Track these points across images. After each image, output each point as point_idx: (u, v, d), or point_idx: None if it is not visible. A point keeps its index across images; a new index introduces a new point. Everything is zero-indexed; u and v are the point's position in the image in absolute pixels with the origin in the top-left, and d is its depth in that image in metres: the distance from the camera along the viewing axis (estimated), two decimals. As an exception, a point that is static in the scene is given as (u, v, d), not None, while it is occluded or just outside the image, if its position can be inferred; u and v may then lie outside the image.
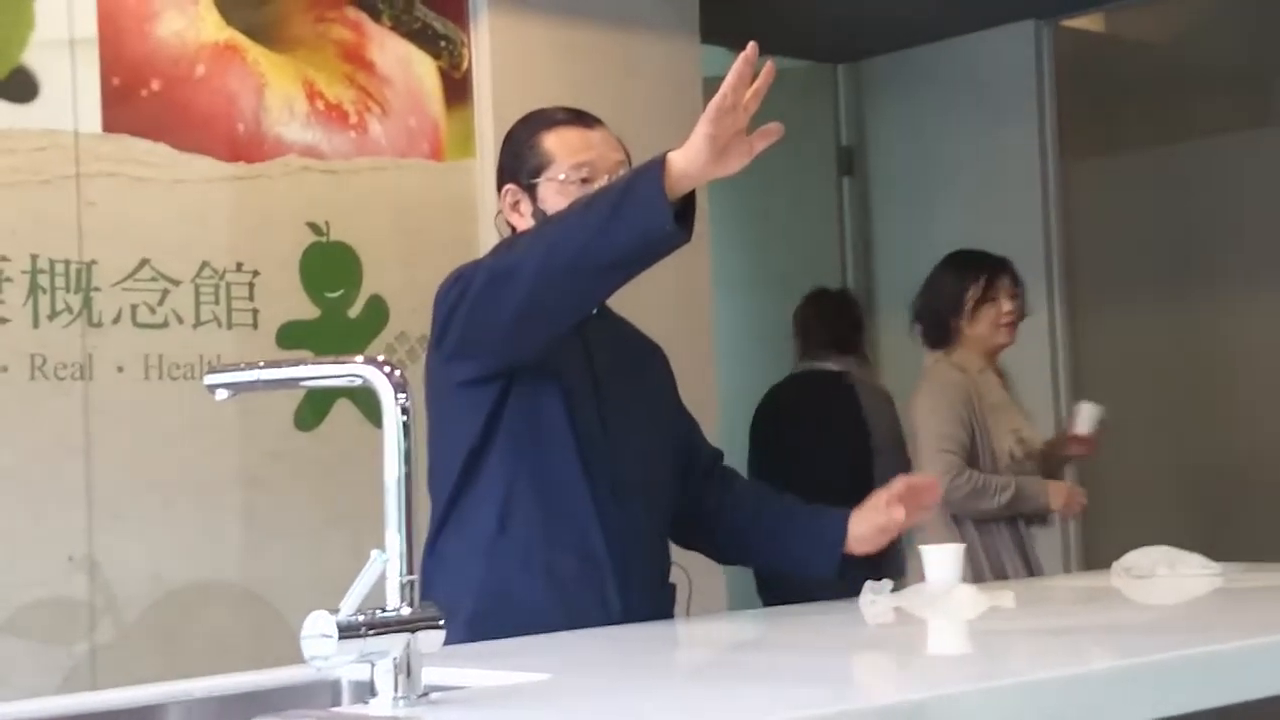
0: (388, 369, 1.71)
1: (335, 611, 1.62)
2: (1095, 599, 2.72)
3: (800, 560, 2.55)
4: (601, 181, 2.43)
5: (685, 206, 2.16)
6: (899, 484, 2.54)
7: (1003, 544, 3.95)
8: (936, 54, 5.48)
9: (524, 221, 2.49)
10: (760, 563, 2.62)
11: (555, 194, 2.44)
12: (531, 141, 2.48)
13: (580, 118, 2.51)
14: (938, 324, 4.14)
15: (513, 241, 2.39)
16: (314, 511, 3.83)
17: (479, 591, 2.32)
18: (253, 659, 3.60)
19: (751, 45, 2.09)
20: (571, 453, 2.40)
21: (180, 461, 3.65)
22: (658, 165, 2.13)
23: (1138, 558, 2.96)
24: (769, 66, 2.13)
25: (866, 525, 2.50)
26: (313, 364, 1.89)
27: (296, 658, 3.92)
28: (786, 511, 2.57)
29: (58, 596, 3.47)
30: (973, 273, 4.11)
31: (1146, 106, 5.56)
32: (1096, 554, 4.92)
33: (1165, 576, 2.88)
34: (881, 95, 5.65)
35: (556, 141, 2.47)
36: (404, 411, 1.70)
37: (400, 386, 1.70)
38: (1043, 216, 5.28)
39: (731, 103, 2.09)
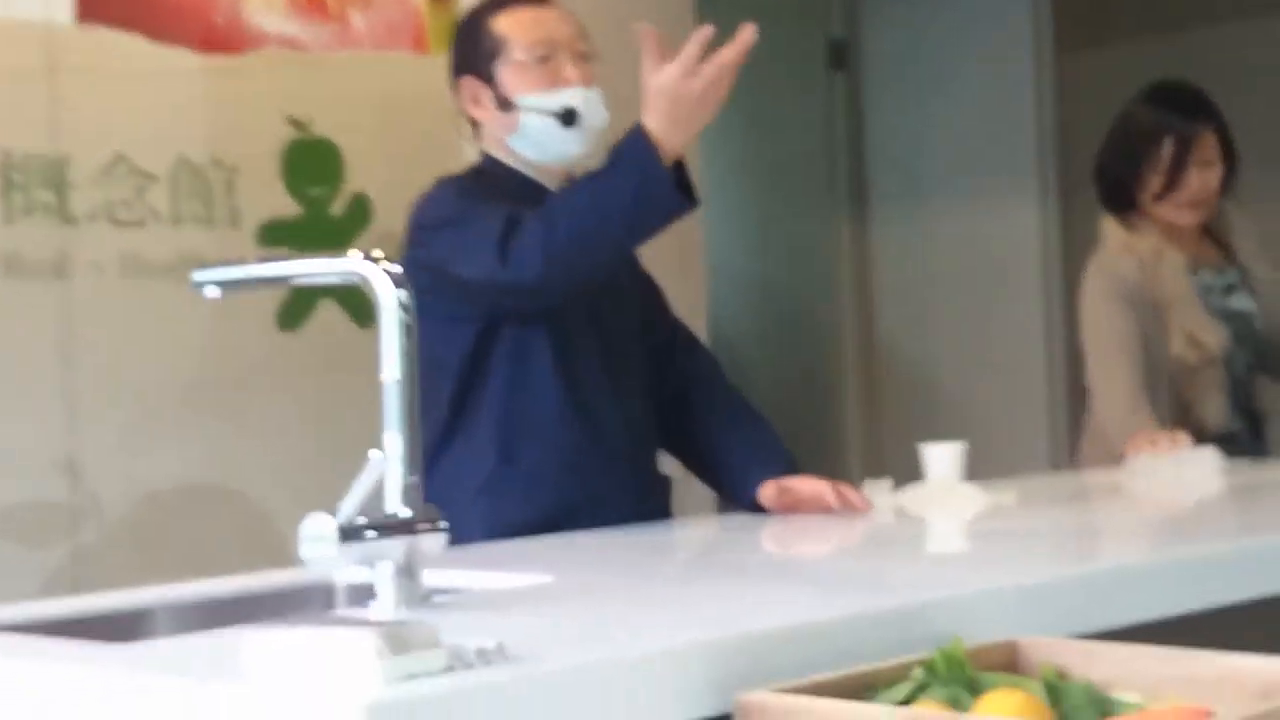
0: (385, 265, 1.65)
1: (334, 513, 1.57)
2: (1097, 497, 2.69)
3: (724, 493, 2.50)
4: (561, 58, 2.38)
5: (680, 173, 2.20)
6: (830, 496, 2.33)
7: None
8: (930, -56, 5.37)
9: (485, 114, 2.42)
10: (695, 473, 2.54)
11: (514, 76, 2.38)
12: (484, 27, 2.40)
13: None
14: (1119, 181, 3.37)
15: (505, 232, 2.25)
16: (298, 412, 3.77)
17: (485, 527, 2.26)
18: (236, 561, 3.55)
19: (704, 29, 2.15)
20: (560, 373, 2.36)
21: (161, 362, 3.58)
22: (636, 134, 2.15)
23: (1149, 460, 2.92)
24: (748, 32, 2.17)
25: (775, 505, 2.36)
26: (306, 259, 1.82)
27: (281, 559, 3.88)
28: (730, 446, 2.46)
29: (38, 499, 3.42)
30: (1164, 127, 3.29)
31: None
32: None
33: (1173, 475, 2.86)
34: (874, -14, 5.54)
35: (509, 23, 2.39)
36: (404, 309, 1.63)
37: (399, 283, 1.64)
38: (1037, 111, 5.21)
39: (691, 70, 2.14)
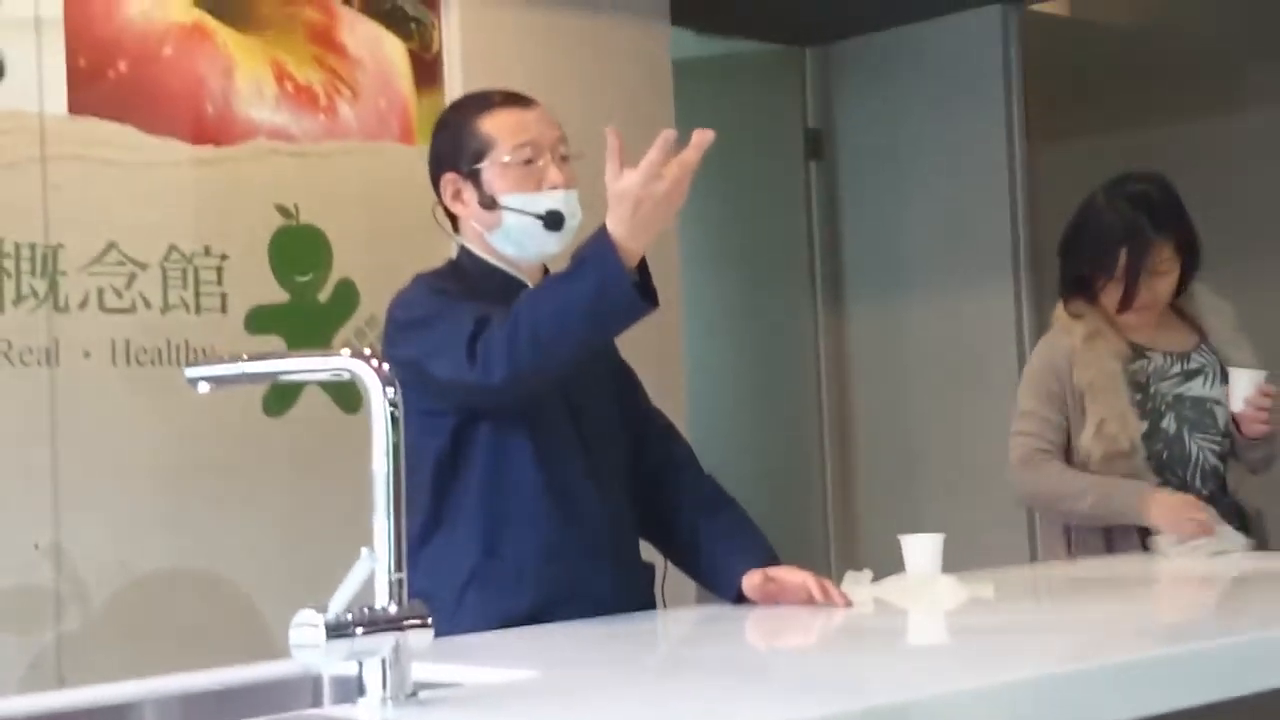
0: (374, 362, 1.68)
1: (323, 609, 1.60)
2: (1080, 590, 2.72)
3: (704, 582, 2.52)
4: (545, 160, 2.43)
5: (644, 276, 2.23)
6: (814, 586, 2.35)
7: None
8: (905, 38, 5.47)
9: (467, 210, 2.46)
10: (673, 561, 2.57)
11: (499, 177, 2.42)
12: (469, 127, 2.45)
13: (515, 99, 2.48)
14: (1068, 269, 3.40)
15: (474, 335, 2.29)
16: (283, 498, 3.79)
17: (472, 621, 2.28)
18: (222, 648, 3.58)
19: (667, 134, 2.19)
20: (542, 463, 2.39)
21: (148, 448, 3.61)
22: (600, 237, 2.19)
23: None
24: (706, 135, 2.19)
25: (758, 594, 2.39)
26: (297, 356, 1.85)
27: (265, 646, 3.91)
28: (709, 535, 2.49)
29: (24, 584, 3.43)
30: (1120, 234, 3.26)
31: (1114, 91, 5.57)
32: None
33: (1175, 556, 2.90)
34: (850, 79, 5.64)
35: (495, 125, 2.44)
36: (392, 405, 1.67)
37: (388, 380, 1.67)
38: (1010, 204, 5.29)
39: (653, 175, 2.18)
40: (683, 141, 2.21)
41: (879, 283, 5.55)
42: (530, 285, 2.47)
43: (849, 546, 5.49)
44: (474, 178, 2.44)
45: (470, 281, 2.46)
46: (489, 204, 2.43)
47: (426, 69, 4.12)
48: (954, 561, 2.57)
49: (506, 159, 2.42)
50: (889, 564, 2.56)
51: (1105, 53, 5.63)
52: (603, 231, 2.19)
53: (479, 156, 2.43)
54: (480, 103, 2.48)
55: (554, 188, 2.42)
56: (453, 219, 2.52)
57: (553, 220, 2.41)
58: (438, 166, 2.49)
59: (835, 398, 5.63)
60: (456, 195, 2.47)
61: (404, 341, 2.37)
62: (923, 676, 1.79)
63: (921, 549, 2.55)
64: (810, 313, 5.66)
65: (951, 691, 1.62)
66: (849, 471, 5.61)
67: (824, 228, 5.67)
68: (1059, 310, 3.39)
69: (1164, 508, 3.10)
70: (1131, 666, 1.79)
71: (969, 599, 2.42)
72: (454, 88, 4.13)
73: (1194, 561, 2.97)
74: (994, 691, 1.64)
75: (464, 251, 2.51)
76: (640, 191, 2.17)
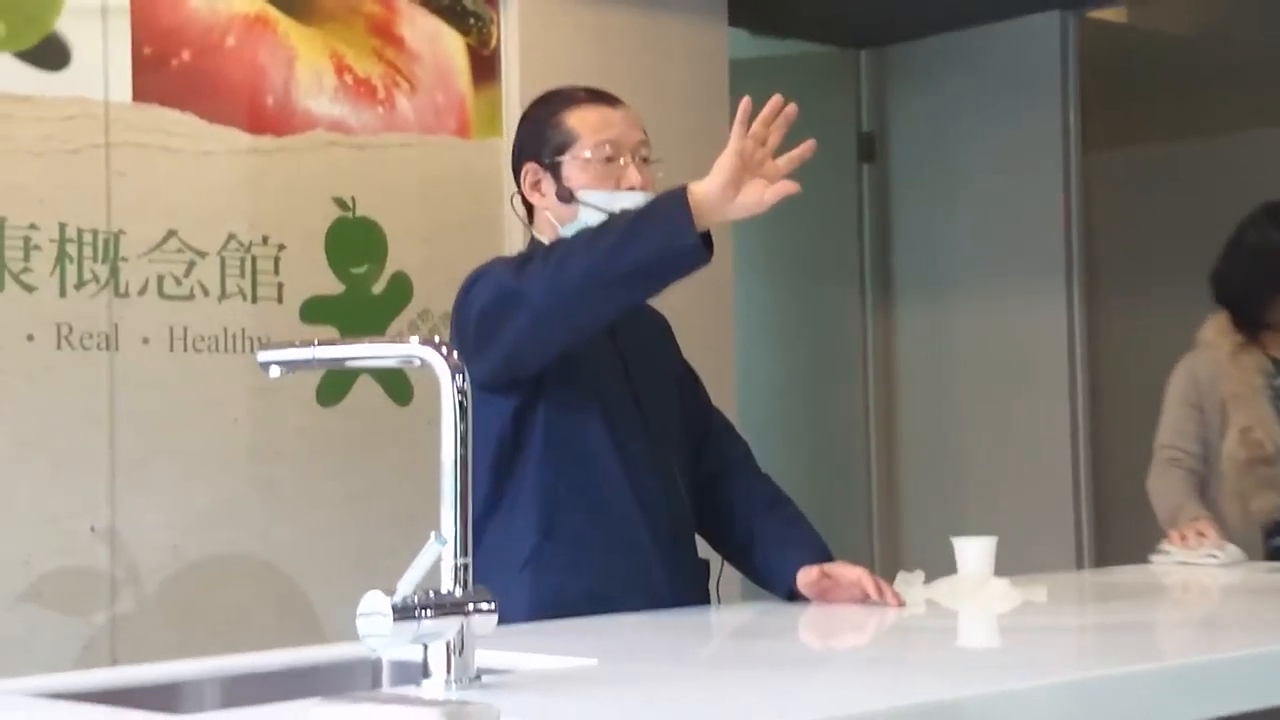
0: (444, 350, 1.70)
1: (390, 592, 1.62)
2: (1132, 595, 2.71)
3: (758, 578, 2.53)
4: (625, 159, 2.44)
5: (704, 237, 2.21)
6: (869, 583, 2.36)
7: None
8: (961, 42, 5.46)
9: (544, 201, 2.49)
10: (728, 559, 2.58)
11: (580, 172, 2.44)
12: (553, 120, 2.47)
13: (601, 97, 2.50)
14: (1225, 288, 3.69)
15: (529, 256, 2.34)
16: (333, 487, 3.82)
17: (529, 602, 2.30)
18: (271, 633, 3.62)
19: (745, 102, 2.22)
20: (609, 447, 2.40)
21: (202, 434, 3.64)
22: (679, 189, 2.19)
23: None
24: (790, 108, 2.24)
25: (813, 590, 2.40)
26: (368, 342, 1.87)
27: (314, 632, 3.94)
28: (765, 532, 2.50)
29: (79, 566, 3.46)
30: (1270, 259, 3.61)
31: (1170, 100, 5.55)
32: (1112, 556, 4.91)
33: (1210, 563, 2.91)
34: (904, 82, 5.63)
35: (579, 119, 2.46)
36: (461, 393, 1.68)
37: (458, 369, 1.69)
38: (1064, 209, 5.27)
39: (758, 134, 2.20)
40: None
41: (929, 286, 5.54)
42: None
43: (893, 548, 5.49)
44: (554, 170, 2.46)
45: None
46: (566, 197, 2.45)
47: (484, 64, 4.14)
48: (1000, 565, 2.57)
49: (588, 154, 2.43)
50: (933, 566, 2.57)
51: (1163, 60, 5.61)
52: (683, 187, 2.19)
53: (561, 149, 2.45)
54: (567, 97, 2.50)
55: (631, 188, 2.43)
56: (529, 210, 2.53)
57: None
58: (519, 156, 2.52)
59: (883, 399, 5.63)
60: (535, 185, 2.49)
61: (466, 295, 2.38)
62: (974, 675, 1.80)
63: (975, 551, 2.55)
64: (859, 315, 5.66)
65: (1003, 691, 1.62)
66: (895, 473, 5.61)
67: (875, 230, 5.67)
68: (1206, 327, 3.69)
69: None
70: (1186, 670, 1.79)
71: (1021, 602, 2.42)
72: (511, 84, 4.15)
73: (1202, 570, 2.99)
74: (1045, 692, 1.65)
75: (535, 243, 2.53)
76: (732, 156, 2.17)
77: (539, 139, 2.48)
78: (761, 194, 2.21)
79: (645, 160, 2.47)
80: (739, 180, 2.19)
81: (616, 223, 2.25)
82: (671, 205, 2.18)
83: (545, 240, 2.51)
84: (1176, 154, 5.46)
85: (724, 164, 2.18)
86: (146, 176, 3.58)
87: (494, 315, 2.28)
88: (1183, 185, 5.51)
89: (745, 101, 2.21)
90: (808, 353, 5.68)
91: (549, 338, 2.29)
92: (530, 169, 2.49)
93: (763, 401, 5.06)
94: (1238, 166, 5.32)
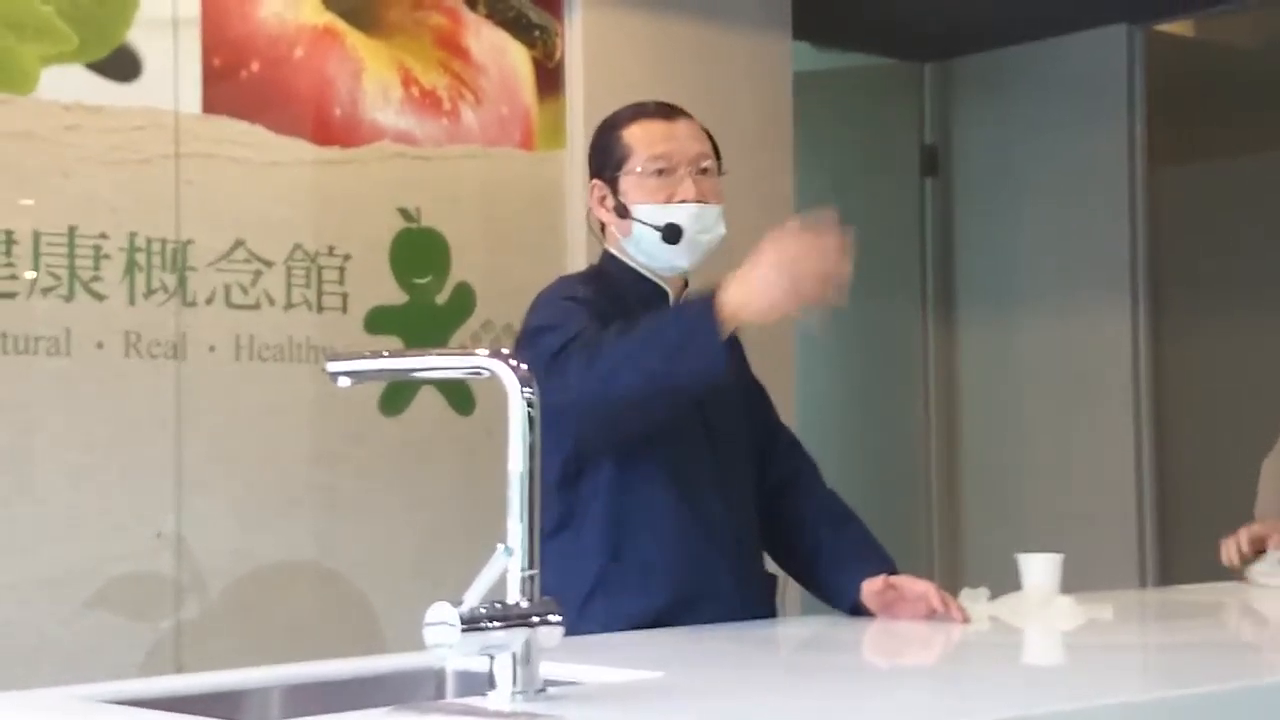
0: (513, 362, 1.70)
1: (458, 603, 1.62)
2: (1198, 614, 2.69)
3: (822, 593, 2.52)
4: (681, 173, 2.44)
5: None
6: (935, 597, 2.36)
7: None
8: (1026, 55, 5.43)
9: (608, 216, 2.50)
10: (792, 573, 2.58)
11: (634, 187, 2.45)
12: (615, 135, 2.50)
13: (664, 110, 2.51)
14: None
15: (561, 349, 2.31)
16: (394, 495, 3.84)
17: (600, 625, 2.30)
18: (333, 640, 3.65)
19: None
20: (676, 466, 2.41)
21: (266, 441, 3.67)
22: (710, 312, 2.20)
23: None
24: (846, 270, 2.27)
25: (877, 601, 2.40)
26: (435, 354, 1.89)
27: (375, 639, 3.95)
28: (831, 545, 2.50)
29: (145, 572, 3.50)
30: None
31: (1238, 114, 5.49)
32: (1176, 576, 4.86)
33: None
34: (968, 96, 5.61)
35: (637, 134, 2.47)
36: (529, 405, 1.69)
37: (526, 381, 1.69)
38: (1130, 224, 5.23)
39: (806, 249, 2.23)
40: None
41: (991, 301, 5.51)
42: (670, 293, 2.50)
43: (953, 564, 5.45)
44: (614, 185, 2.48)
45: (611, 285, 2.49)
46: (622, 212, 2.47)
47: (549, 77, 4.16)
48: (1063, 583, 2.55)
49: (639, 169, 2.45)
50: (994, 583, 2.55)
51: (1230, 74, 5.56)
52: (712, 293, 2.22)
53: (620, 165, 2.47)
54: (631, 112, 2.52)
55: (684, 201, 2.43)
56: (602, 225, 2.55)
57: (671, 234, 2.43)
58: (590, 171, 2.54)
59: (944, 414, 5.60)
60: (601, 201, 2.51)
61: (528, 345, 2.40)
62: (1039, 693, 1.78)
63: (1040, 568, 2.53)
64: (921, 329, 5.63)
65: (1067, 710, 1.61)
66: (955, 489, 5.58)
67: (937, 244, 5.64)
68: None
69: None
70: (1251, 693, 1.77)
71: (1086, 620, 2.41)
72: (575, 96, 4.17)
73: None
74: (1110, 712, 1.63)
75: (607, 255, 2.54)
76: (765, 254, 2.19)
77: (603, 155, 2.51)
78: (793, 265, 2.23)
79: (705, 172, 2.47)
80: (759, 272, 2.21)
81: (652, 346, 2.25)
82: (698, 309, 2.22)
83: (617, 255, 2.51)
84: (1243, 169, 5.40)
85: (742, 273, 2.20)
86: (215, 187, 3.62)
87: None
88: (1250, 201, 5.45)
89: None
90: (869, 367, 5.66)
91: (595, 439, 2.35)
92: (596, 184, 2.52)
93: (823, 415, 5.05)
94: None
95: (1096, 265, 5.27)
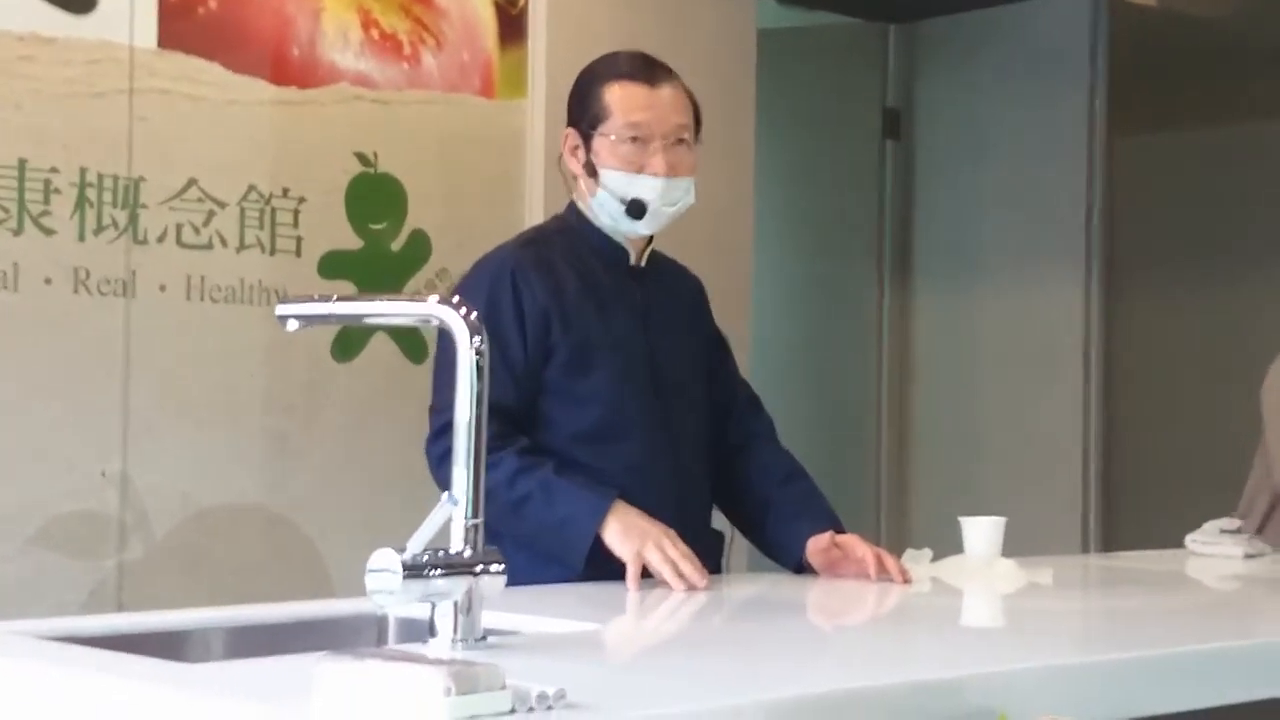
0: (463, 311, 1.70)
1: (401, 550, 1.62)
2: (1136, 580, 2.71)
3: (768, 549, 2.54)
4: (655, 144, 2.41)
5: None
6: (873, 568, 2.36)
7: None
8: (991, 20, 5.43)
9: (577, 169, 2.48)
10: (740, 528, 2.59)
11: (608, 151, 2.43)
12: (595, 90, 2.46)
13: (648, 73, 2.46)
14: None
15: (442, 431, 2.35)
16: (345, 441, 3.83)
17: (529, 569, 2.30)
18: (278, 583, 3.64)
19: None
20: (615, 408, 2.42)
21: (216, 384, 3.65)
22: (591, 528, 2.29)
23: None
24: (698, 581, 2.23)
25: (822, 559, 2.41)
26: (386, 300, 1.87)
27: (322, 584, 3.94)
28: (780, 501, 2.51)
29: (89, 511, 3.48)
30: None
31: (1199, 86, 5.51)
32: (1119, 542, 4.91)
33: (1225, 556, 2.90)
34: (932, 58, 5.60)
35: (618, 95, 2.43)
36: (478, 354, 1.68)
37: (475, 330, 1.69)
38: (1087, 193, 5.25)
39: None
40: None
41: (948, 266, 5.53)
42: (632, 254, 2.50)
43: (900, 525, 5.49)
44: (587, 140, 2.46)
45: (573, 242, 2.49)
46: (591, 171, 2.45)
47: (511, 24, 4.13)
48: (1006, 548, 2.57)
49: (613, 136, 2.42)
50: (940, 545, 2.57)
51: (1193, 45, 5.57)
52: (604, 515, 2.28)
53: (595, 123, 2.44)
54: (615, 68, 2.47)
55: (654, 174, 2.42)
56: (573, 175, 2.52)
57: (634, 209, 2.42)
58: (567, 117, 2.51)
59: (896, 377, 5.62)
60: (573, 151, 2.49)
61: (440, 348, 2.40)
62: (975, 655, 1.80)
63: (982, 532, 2.56)
64: (877, 291, 5.64)
65: (1004, 671, 1.63)
66: (905, 451, 5.61)
67: (896, 208, 5.65)
68: None
69: None
70: (1185, 658, 1.79)
71: (1026, 584, 2.43)
72: (538, 45, 4.14)
73: (1230, 561, 2.97)
74: (1046, 673, 1.65)
75: (573, 209, 2.53)
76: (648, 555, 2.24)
77: (580, 106, 2.48)
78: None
79: (682, 142, 2.45)
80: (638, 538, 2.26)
81: (541, 517, 2.32)
82: (580, 544, 2.29)
83: (582, 209, 2.49)
84: (1203, 141, 5.43)
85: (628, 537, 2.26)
86: (169, 124, 3.58)
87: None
88: (1208, 174, 5.48)
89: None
90: (823, 326, 5.67)
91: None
92: (570, 134, 2.49)
93: (775, 375, 5.04)
94: (1265, 155, 5.29)
95: (1053, 234, 5.29)
